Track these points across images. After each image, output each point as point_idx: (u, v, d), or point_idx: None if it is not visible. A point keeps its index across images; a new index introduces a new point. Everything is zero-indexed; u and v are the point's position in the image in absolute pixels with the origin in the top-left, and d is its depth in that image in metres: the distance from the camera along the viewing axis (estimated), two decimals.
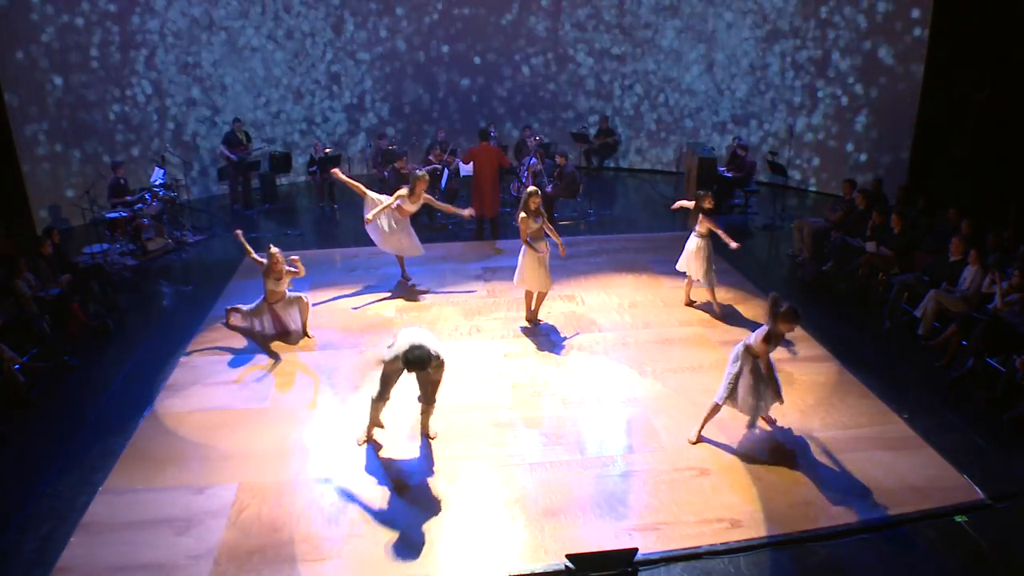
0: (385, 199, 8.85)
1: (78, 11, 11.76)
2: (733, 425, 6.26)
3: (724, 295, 8.98)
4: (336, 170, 9.45)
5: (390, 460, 5.97)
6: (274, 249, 7.72)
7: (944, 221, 9.24)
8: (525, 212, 7.73)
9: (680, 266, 8.61)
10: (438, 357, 5.66)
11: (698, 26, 14.42)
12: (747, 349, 5.83)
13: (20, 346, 7.28)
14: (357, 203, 13.35)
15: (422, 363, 5.49)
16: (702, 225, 8.30)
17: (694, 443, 6.09)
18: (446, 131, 14.30)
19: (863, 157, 13.04)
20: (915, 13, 11.91)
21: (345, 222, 12.65)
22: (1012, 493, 5.54)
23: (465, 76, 15.57)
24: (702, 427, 6.13)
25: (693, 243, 8.39)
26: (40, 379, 7.21)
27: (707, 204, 8.28)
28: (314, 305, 8.35)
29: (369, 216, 8.74)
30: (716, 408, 6.03)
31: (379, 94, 15.28)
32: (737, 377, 5.86)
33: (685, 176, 13.19)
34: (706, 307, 8.62)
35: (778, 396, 5.93)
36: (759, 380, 5.81)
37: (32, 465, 5.98)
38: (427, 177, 8.98)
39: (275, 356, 7.65)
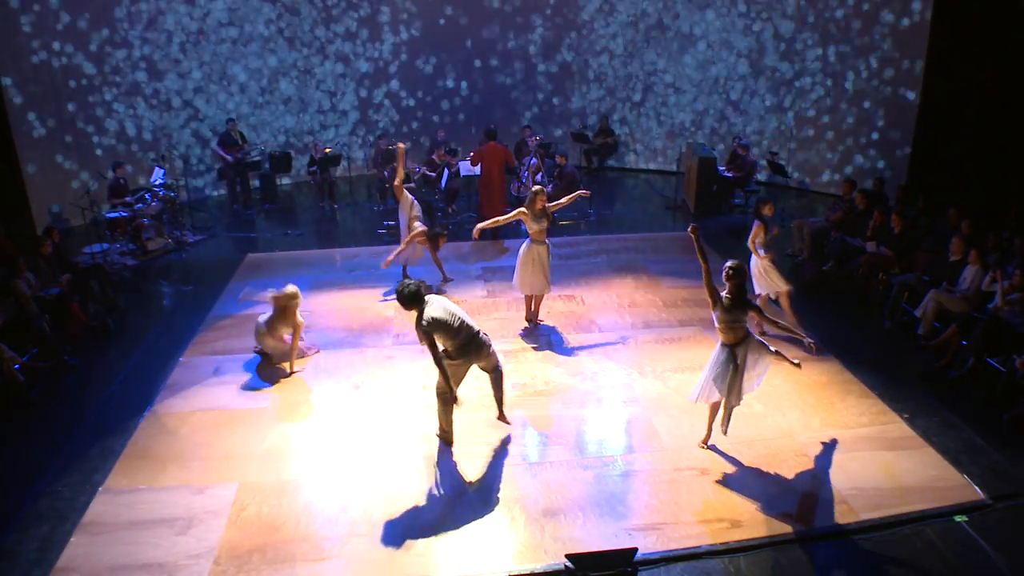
0: (415, 209, 9.30)
1: (80, 11, 11.77)
2: (733, 425, 6.25)
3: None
4: (401, 144, 9.58)
5: (390, 460, 5.96)
6: (291, 288, 7.23)
7: (944, 221, 9.24)
8: (528, 209, 7.72)
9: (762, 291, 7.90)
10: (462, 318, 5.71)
11: (696, 24, 14.41)
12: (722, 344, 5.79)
13: (20, 346, 7.28)
14: (358, 203, 13.52)
15: (412, 298, 5.55)
16: (766, 237, 7.76)
17: (704, 447, 6.07)
18: (446, 131, 14.30)
19: (863, 156, 13.03)
20: (916, 13, 11.91)
21: (345, 222, 12.66)
22: (1012, 493, 5.54)
23: (465, 76, 15.58)
24: (709, 430, 6.11)
25: (758, 263, 7.78)
26: (40, 379, 7.22)
27: (767, 211, 7.84)
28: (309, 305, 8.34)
29: (388, 259, 9.11)
30: (714, 407, 6.03)
31: (380, 95, 15.27)
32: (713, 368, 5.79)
33: (685, 176, 13.19)
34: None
35: (739, 397, 5.81)
36: (728, 370, 5.70)
37: (32, 465, 5.99)
38: (445, 236, 9.49)
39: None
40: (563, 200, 8.26)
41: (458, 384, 5.91)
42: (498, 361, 6.12)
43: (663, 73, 14.99)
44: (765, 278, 7.84)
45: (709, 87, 14.61)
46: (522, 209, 7.74)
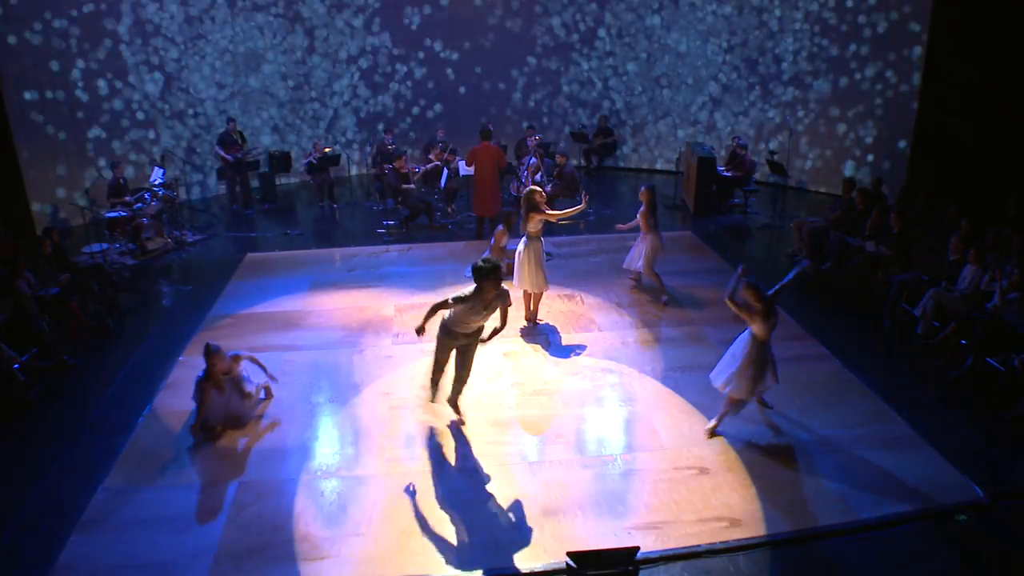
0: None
1: (78, 10, 11.77)
2: (732, 423, 6.27)
3: (724, 295, 9.03)
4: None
5: (389, 459, 5.96)
6: (214, 347, 6.18)
7: (943, 220, 9.24)
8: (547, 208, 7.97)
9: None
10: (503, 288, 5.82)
11: (695, 21, 14.42)
12: (753, 337, 5.91)
13: (20, 345, 7.28)
14: (357, 203, 13.53)
15: (489, 273, 5.65)
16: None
17: (710, 436, 6.16)
18: (445, 130, 14.30)
19: (863, 156, 13.03)
20: (916, 11, 11.92)
21: (345, 222, 12.66)
22: (1012, 492, 5.54)
23: (463, 74, 15.59)
24: (719, 422, 6.23)
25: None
26: (40, 378, 7.21)
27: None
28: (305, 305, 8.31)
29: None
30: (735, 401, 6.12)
31: (380, 93, 15.28)
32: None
33: (684, 175, 13.19)
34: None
35: (775, 377, 6.04)
36: (760, 362, 5.90)
37: (33, 464, 5.99)
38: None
39: (275, 354, 7.64)
40: (569, 211, 8.35)
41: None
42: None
43: (662, 72, 15.00)
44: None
45: (708, 86, 14.61)
46: (546, 213, 7.89)
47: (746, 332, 5.98)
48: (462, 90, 15.60)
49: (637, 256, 8.94)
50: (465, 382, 6.34)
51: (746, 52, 14.03)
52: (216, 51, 13.48)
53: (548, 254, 9.51)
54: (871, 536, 5.14)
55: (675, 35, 14.69)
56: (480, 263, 5.74)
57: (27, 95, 11.39)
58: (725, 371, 6.03)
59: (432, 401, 6.48)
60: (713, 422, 6.21)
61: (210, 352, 6.17)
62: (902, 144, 12.30)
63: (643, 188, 8.81)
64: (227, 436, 6.27)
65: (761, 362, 5.89)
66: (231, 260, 10.55)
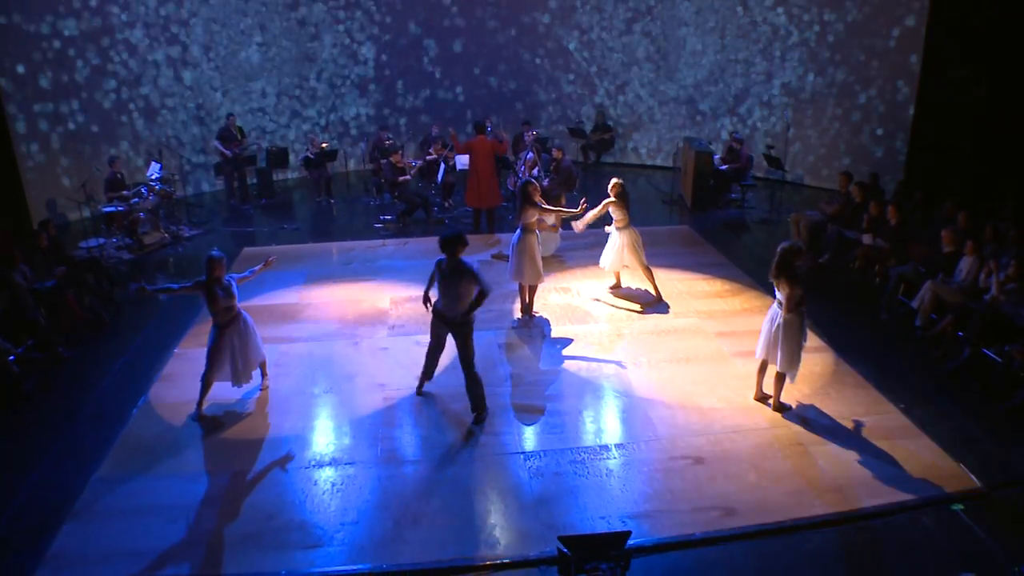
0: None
1: (76, 6, 11.76)
2: (729, 415, 6.26)
3: (721, 288, 9.03)
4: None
5: (384, 447, 5.95)
6: (216, 254, 6.39)
7: (941, 213, 9.21)
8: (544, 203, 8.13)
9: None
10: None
11: (692, 19, 14.40)
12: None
13: (15, 338, 7.26)
14: (355, 198, 13.50)
15: (455, 241, 6.09)
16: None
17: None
18: (440, 126, 14.28)
19: (860, 150, 13.01)
20: (914, 8, 11.90)
21: (342, 217, 12.64)
22: (1008, 482, 5.53)
23: (463, 72, 15.57)
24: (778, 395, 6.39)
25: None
26: (34, 371, 7.19)
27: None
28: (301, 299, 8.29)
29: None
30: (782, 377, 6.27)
31: (378, 88, 15.26)
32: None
33: (682, 170, 13.17)
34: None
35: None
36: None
37: (27, 454, 5.97)
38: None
39: (272, 346, 7.62)
40: (564, 210, 8.72)
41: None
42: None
43: (660, 70, 14.98)
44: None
45: (707, 83, 14.59)
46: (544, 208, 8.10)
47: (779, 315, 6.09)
48: (458, 89, 15.59)
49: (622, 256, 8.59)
50: (472, 379, 6.26)
51: (745, 50, 14.01)
52: (217, 48, 13.46)
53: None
54: (867, 525, 5.12)
55: (674, 32, 14.67)
56: (446, 233, 6.16)
57: (26, 89, 11.35)
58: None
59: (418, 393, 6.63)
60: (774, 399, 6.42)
61: (212, 259, 6.32)
62: (898, 144, 12.29)
63: (614, 180, 8.63)
64: (224, 428, 6.26)
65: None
66: (228, 255, 10.44)
